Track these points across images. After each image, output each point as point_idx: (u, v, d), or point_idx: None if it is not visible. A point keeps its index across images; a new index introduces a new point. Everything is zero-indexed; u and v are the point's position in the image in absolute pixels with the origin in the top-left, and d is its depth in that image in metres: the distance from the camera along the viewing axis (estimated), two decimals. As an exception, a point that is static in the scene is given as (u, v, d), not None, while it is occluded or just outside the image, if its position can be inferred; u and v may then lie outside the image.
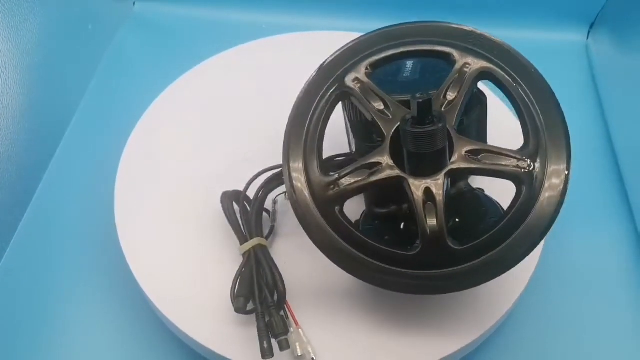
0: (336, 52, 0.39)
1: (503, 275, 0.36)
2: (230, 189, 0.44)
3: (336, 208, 0.37)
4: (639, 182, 0.54)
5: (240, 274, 0.39)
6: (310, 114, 0.38)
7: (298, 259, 0.42)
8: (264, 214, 0.43)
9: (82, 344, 0.46)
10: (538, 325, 0.47)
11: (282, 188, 0.43)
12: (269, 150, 0.47)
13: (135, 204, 0.46)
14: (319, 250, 0.37)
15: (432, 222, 0.35)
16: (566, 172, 0.35)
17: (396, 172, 0.36)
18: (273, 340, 0.37)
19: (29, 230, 0.52)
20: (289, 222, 0.44)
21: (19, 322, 0.47)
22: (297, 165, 0.38)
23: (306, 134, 0.38)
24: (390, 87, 0.38)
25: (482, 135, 0.42)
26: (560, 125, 0.35)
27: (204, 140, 0.50)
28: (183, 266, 0.43)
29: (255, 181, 0.44)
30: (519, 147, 0.36)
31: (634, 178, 0.55)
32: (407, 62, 0.41)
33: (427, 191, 0.35)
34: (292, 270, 0.41)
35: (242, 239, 0.41)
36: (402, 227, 0.39)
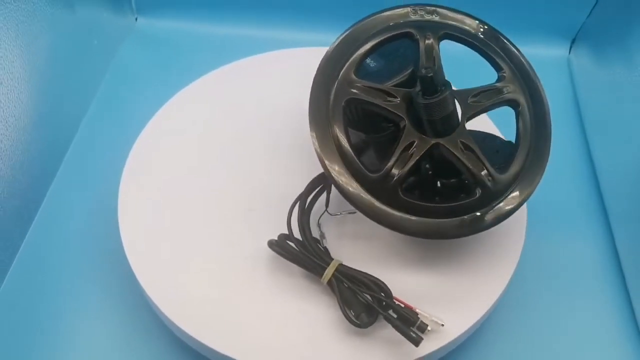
0: (322, 62, 0.42)
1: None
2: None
3: (399, 192, 0.40)
4: (616, 194, 0.57)
5: (340, 298, 0.41)
6: (330, 127, 0.41)
7: (359, 263, 0.44)
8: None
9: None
10: (517, 325, 0.50)
11: (316, 212, 0.45)
12: (274, 161, 0.51)
13: (138, 212, 0.47)
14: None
15: (479, 166, 0.41)
16: (539, 83, 0.43)
17: (430, 142, 0.41)
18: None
19: (38, 235, 0.54)
20: (329, 235, 0.46)
21: (25, 325, 0.49)
22: (346, 181, 0.41)
23: (336, 146, 0.41)
24: (371, 80, 0.43)
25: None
26: (518, 54, 0.44)
27: (206, 154, 0.51)
28: (202, 285, 0.44)
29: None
30: (495, 81, 0.44)
31: (612, 191, 0.57)
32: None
33: (463, 144, 0.41)
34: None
35: (320, 271, 0.42)
36: (438, 185, 0.45)
